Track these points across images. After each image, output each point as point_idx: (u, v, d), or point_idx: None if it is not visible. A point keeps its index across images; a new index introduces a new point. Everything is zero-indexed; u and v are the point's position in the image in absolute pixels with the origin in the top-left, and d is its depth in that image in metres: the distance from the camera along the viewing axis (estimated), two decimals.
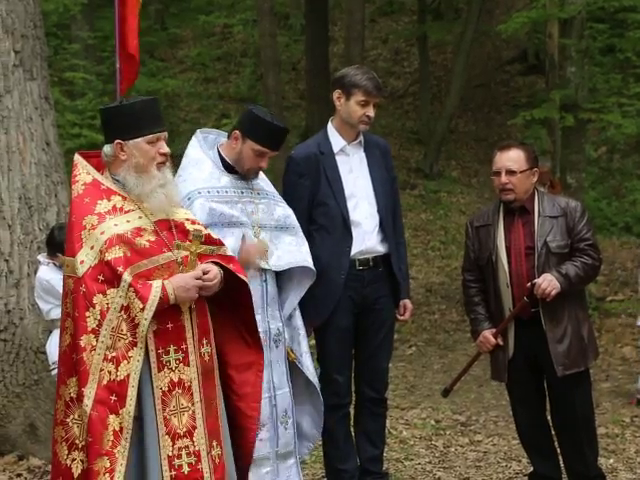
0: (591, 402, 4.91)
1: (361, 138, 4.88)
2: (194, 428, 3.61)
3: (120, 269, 3.49)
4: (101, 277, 3.49)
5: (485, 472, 5.76)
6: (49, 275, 5.02)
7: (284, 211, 4.50)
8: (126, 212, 3.61)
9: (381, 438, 5.05)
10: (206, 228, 3.87)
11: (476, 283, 4.87)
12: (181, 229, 3.72)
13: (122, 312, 3.49)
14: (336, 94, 4.80)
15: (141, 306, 3.49)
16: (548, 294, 4.55)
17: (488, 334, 4.77)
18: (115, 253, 3.50)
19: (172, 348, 3.60)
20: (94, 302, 3.48)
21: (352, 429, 5.02)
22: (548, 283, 4.54)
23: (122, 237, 3.54)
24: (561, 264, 4.61)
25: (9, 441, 5.48)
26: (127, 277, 3.48)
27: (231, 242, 4.16)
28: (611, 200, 14.43)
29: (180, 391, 3.60)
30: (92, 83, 15.33)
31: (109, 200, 3.60)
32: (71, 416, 3.54)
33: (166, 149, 3.72)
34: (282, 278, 4.47)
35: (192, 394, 3.63)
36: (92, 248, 3.51)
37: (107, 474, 3.42)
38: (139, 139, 3.64)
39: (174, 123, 17.31)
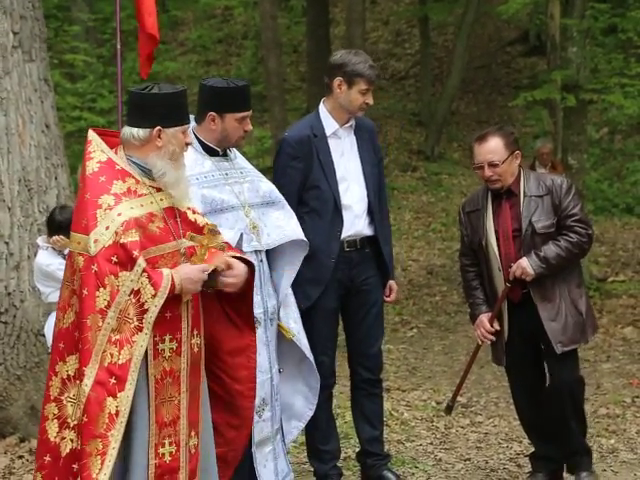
0: (579, 379, 4.92)
1: (352, 122, 4.88)
2: (178, 418, 3.61)
3: (136, 253, 3.46)
4: (114, 259, 3.45)
5: (486, 453, 5.77)
6: (49, 260, 5.00)
7: (267, 186, 4.48)
8: (139, 196, 3.59)
9: (379, 419, 5.06)
10: (204, 216, 3.88)
11: (473, 267, 4.86)
12: (184, 218, 3.71)
13: (131, 296, 3.46)
14: (337, 81, 4.77)
15: (153, 292, 3.47)
16: (523, 279, 4.59)
17: (484, 318, 4.76)
18: (131, 236, 3.48)
19: (168, 337, 3.58)
20: (105, 282, 3.45)
21: (350, 412, 5.04)
22: (521, 270, 4.57)
23: (138, 221, 3.52)
24: (545, 245, 4.61)
25: (10, 423, 5.49)
26: (142, 262, 3.46)
27: (227, 233, 4.16)
28: (612, 181, 14.42)
29: (170, 380, 3.60)
30: (92, 66, 15.30)
31: (124, 182, 3.58)
32: (66, 394, 3.52)
33: (190, 139, 3.80)
34: (273, 256, 4.45)
35: (180, 384, 3.63)
36: (107, 228, 3.47)
37: (98, 456, 3.40)
38: (178, 128, 3.67)
39: None
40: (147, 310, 3.47)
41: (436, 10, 17.58)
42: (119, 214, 3.49)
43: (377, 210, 4.89)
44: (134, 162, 3.65)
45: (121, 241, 3.46)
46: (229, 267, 3.70)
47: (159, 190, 3.66)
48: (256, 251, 4.31)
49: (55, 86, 6.46)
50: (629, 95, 11.50)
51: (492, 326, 4.74)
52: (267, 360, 4.31)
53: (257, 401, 4.24)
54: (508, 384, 7.88)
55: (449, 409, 5.22)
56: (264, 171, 4.86)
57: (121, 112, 6.50)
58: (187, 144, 3.75)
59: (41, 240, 5.07)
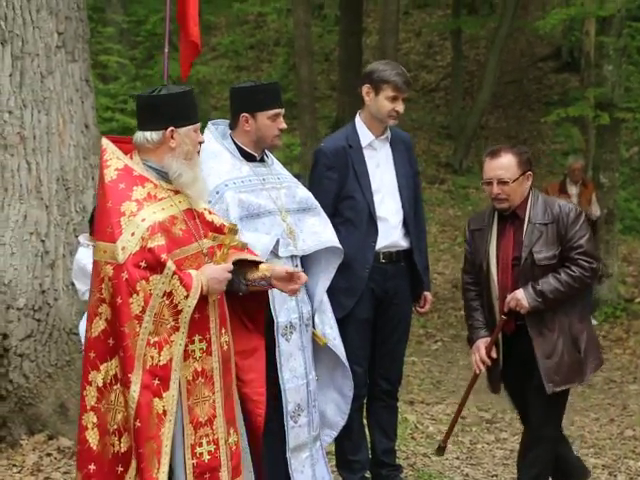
0: (557, 421, 4.62)
1: (388, 133, 4.89)
2: (214, 417, 3.63)
3: (164, 256, 3.48)
4: (143, 264, 3.47)
5: (513, 470, 5.72)
6: (88, 258, 5.02)
7: (304, 192, 4.50)
8: (159, 200, 3.60)
9: (394, 430, 5.09)
10: (219, 217, 3.88)
11: (474, 286, 4.62)
12: (202, 219, 3.72)
13: (164, 298, 3.48)
14: (365, 89, 4.81)
15: (185, 294, 3.50)
16: (518, 312, 4.37)
17: (481, 344, 4.52)
18: (158, 241, 3.50)
19: (197, 338, 3.60)
20: (137, 288, 3.46)
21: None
22: (515, 302, 4.35)
23: (162, 225, 3.54)
24: (544, 277, 4.36)
25: (40, 420, 5.51)
26: (171, 265, 3.48)
27: (263, 237, 4.18)
28: None
29: (203, 380, 3.61)
30: (126, 67, 15.38)
31: (143, 187, 3.59)
32: (103, 401, 3.53)
33: (202, 138, 3.79)
34: (309, 262, 4.46)
35: (213, 383, 3.64)
36: (133, 235, 3.48)
37: (154, 456, 3.45)
38: (190, 127, 3.67)
39: (205, 110, 17.32)
40: (181, 311, 3.50)
41: (469, 23, 17.59)
42: (143, 219, 3.50)
43: (412, 222, 4.89)
44: (150, 166, 3.66)
45: (148, 246, 3.48)
46: (290, 275, 3.77)
47: (177, 193, 3.67)
48: (292, 256, 4.33)
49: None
50: None
51: (489, 355, 4.50)
52: (303, 365, 4.32)
53: (292, 407, 4.27)
54: None
55: (441, 450, 4.89)
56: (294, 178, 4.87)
57: None
58: (200, 142, 3.75)
59: (83, 237, 5.08)
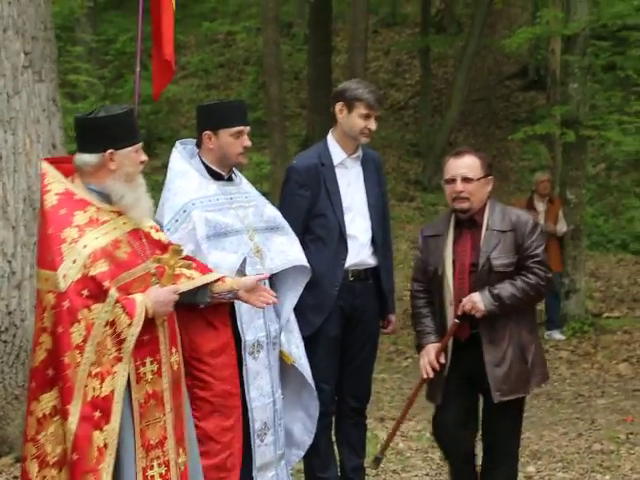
0: (518, 436, 4.57)
1: (360, 152, 4.91)
2: (165, 438, 3.60)
3: (106, 284, 3.42)
4: (85, 292, 3.41)
5: None
6: None
7: (272, 211, 4.51)
8: (102, 223, 3.55)
9: (364, 448, 5.08)
10: (164, 232, 3.88)
11: (424, 294, 4.55)
12: (149, 239, 3.68)
13: (107, 327, 3.43)
14: (338, 106, 4.83)
15: (128, 322, 3.44)
16: (473, 316, 4.31)
17: (432, 348, 4.42)
18: (100, 267, 3.43)
19: (148, 360, 3.56)
20: (79, 317, 3.40)
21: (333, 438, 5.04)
22: (471, 305, 4.29)
23: (105, 250, 3.48)
24: (501, 283, 4.33)
25: (7, 443, 5.47)
26: (114, 292, 3.42)
27: (230, 256, 4.20)
28: (608, 217, 14.50)
29: (154, 402, 3.57)
30: (95, 86, 15.36)
31: (85, 211, 3.53)
32: (42, 432, 3.47)
33: (145, 157, 3.71)
34: (276, 281, 4.47)
35: (164, 405, 3.60)
36: (74, 262, 3.42)
37: None
38: (130, 148, 3.62)
39: (175, 129, 17.35)
40: (124, 340, 3.44)
41: (437, 42, 17.75)
42: (85, 246, 3.45)
43: (380, 241, 4.91)
44: (92, 189, 3.61)
45: (90, 274, 3.42)
46: (252, 288, 3.81)
47: (120, 214, 3.62)
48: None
49: None
50: (628, 132, 11.62)
51: (438, 360, 4.41)
52: (269, 384, 4.32)
53: (258, 425, 4.27)
54: None
55: (377, 462, 4.78)
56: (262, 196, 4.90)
57: None
58: (142, 162, 3.69)
59: None
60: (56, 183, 3.58)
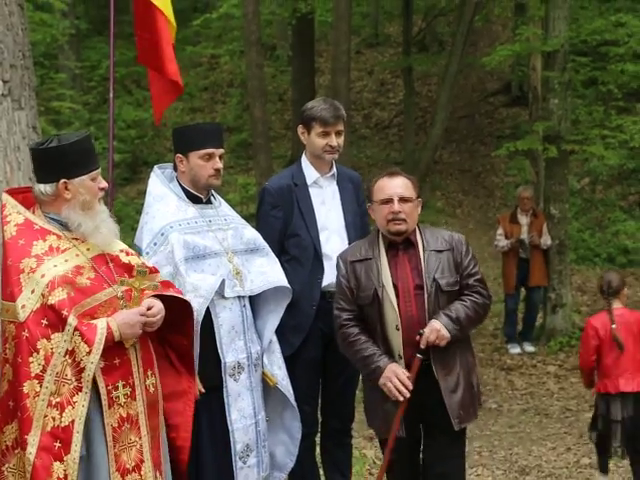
0: (464, 465, 4.41)
1: (334, 171, 4.93)
2: (142, 462, 3.58)
3: (65, 312, 3.40)
4: (45, 321, 3.41)
5: None
6: None
7: (252, 233, 4.53)
8: (62, 251, 3.54)
9: (349, 468, 5.09)
10: (139, 256, 3.84)
11: (357, 321, 4.26)
12: (117, 263, 3.67)
13: (67, 357, 3.41)
14: (300, 129, 4.87)
15: (87, 350, 3.42)
16: (437, 345, 4.11)
17: (396, 367, 4.11)
18: (58, 295, 3.42)
19: (120, 383, 3.54)
20: (38, 347, 3.39)
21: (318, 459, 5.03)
22: (436, 334, 4.09)
23: (64, 277, 3.47)
24: (450, 305, 4.18)
25: None
26: (72, 320, 3.40)
27: (209, 278, 4.19)
28: (594, 231, 14.54)
29: (129, 426, 3.55)
30: (78, 112, 15.39)
31: (44, 240, 3.53)
32: (6, 464, 3.46)
33: (105, 183, 3.69)
34: (257, 302, 4.47)
35: (139, 428, 3.59)
36: (33, 292, 3.42)
37: None
38: (85, 176, 3.59)
39: (160, 153, 17.38)
40: (84, 369, 3.42)
41: (420, 61, 17.83)
42: (42, 275, 3.45)
43: None
44: (52, 218, 3.61)
45: (49, 302, 3.42)
46: (148, 308, 3.64)
47: (84, 241, 3.62)
48: (239, 297, 4.35)
49: (41, 133, 6.50)
50: (610, 146, 11.68)
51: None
52: (251, 406, 4.32)
53: (240, 447, 4.26)
54: (491, 433, 7.93)
55: None
56: (248, 218, 4.92)
57: (112, 158, 6.56)
58: (101, 189, 3.66)
59: None
60: (15, 214, 3.57)
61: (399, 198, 4.24)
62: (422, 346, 4.13)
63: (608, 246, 14.10)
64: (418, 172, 16.39)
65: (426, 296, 4.17)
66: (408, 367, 4.18)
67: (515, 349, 10.77)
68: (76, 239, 3.60)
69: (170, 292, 3.78)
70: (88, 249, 3.60)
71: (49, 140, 3.62)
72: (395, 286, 4.20)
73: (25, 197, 3.66)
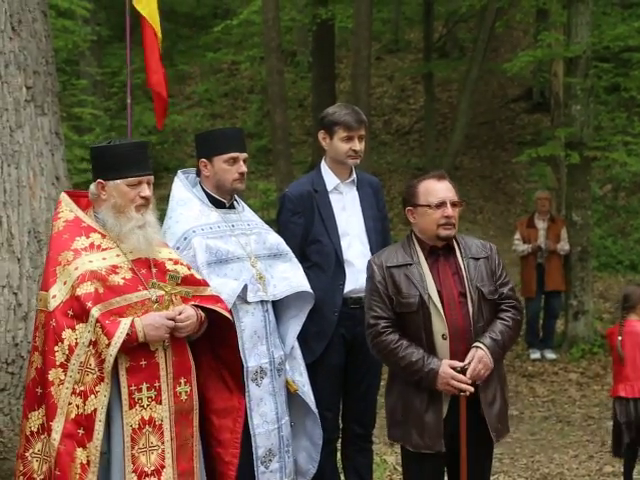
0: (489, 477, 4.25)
1: (354, 176, 4.91)
2: (162, 467, 3.58)
3: (89, 304, 3.49)
4: (71, 312, 3.51)
5: None
6: None
7: (275, 239, 4.53)
8: (103, 249, 3.63)
9: (370, 473, 5.07)
10: (190, 269, 3.86)
11: (395, 328, 4.03)
12: (161, 269, 3.73)
13: (90, 347, 3.51)
14: (321, 135, 4.86)
15: (107, 342, 3.49)
16: (481, 375, 3.94)
17: (447, 368, 3.90)
18: (86, 289, 3.52)
19: (145, 386, 3.58)
20: (63, 337, 3.50)
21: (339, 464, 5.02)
22: (483, 366, 3.92)
23: (95, 273, 3.55)
24: (494, 325, 4.02)
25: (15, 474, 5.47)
26: (95, 312, 3.48)
27: (231, 283, 4.19)
28: (616, 238, 14.46)
29: (150, 429, 3.58)
30: (100, 118, 15.46)
31: (87, 237, 3.64)
32: (30, 450, 3.55)
33: (147, 193, 3.73)
34: (280, 308, 4.47)
35: (162, 432, 3.60)
36: (65, 283, 3.54)
37: None
38: (119, 181, 3.69)
39: (181, 159, 17.42)
40: (104, 360, 3.50)
41: (440, 67, 17.81)
42: (76, 268, 3.55)
43: None
44: (99, 218, 3.73)
45: (76, 294, 3.51)
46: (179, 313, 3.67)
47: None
48: (262, 301, 4.34)
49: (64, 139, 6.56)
50: (632, 153, 11.62)
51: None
52: (274, 411, 4.32)
53: (262, 452, 4.26)
54: (513, 440, 7.88)
55: None
56: (268, 224, 4.91)
57: None
58: (142, 197, 3.70)
59: None
60: (67, 211, 3.72)
61: (451, 202, 4.08)
62: (468, 380, 3.92)
63: (630, 253, 14.02)
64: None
65: (470, 304, 4.00)
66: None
67: (536, 354, 10.72)
68: (120, 240, 3.70)
69: (217, 307, 3.81)
70: (131, 252, 3.68)
71: (107, 141, 3.80)
72: (439, 293, 4.01)
73: (87, 201, 3.82)
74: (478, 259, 4.11)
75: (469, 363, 3.93)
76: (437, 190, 4.09)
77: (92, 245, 3.62)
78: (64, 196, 3.77)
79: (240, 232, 4.40)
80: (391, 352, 4.01)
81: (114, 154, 3.68)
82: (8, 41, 5.56)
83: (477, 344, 3.97)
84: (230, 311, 3.96)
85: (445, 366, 3.92)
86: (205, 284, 3.87)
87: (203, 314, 3.77)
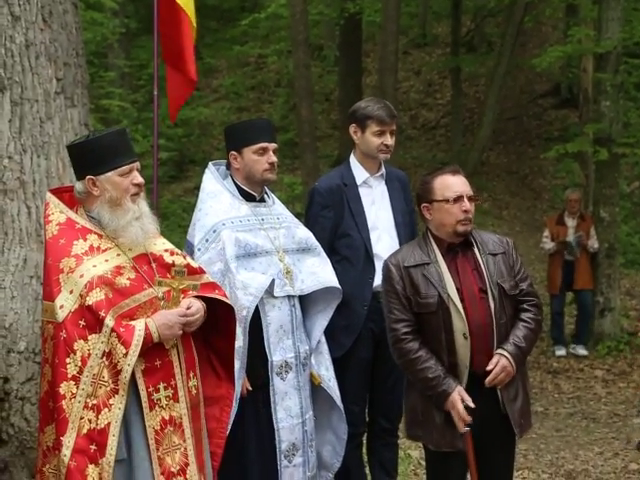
0: (512, 473, 4.20)
1: (383, 170, 4.91)
2: (187, 465, 3.53)
3: (102, 313, 3.37)
4: (82, 322, 3.37)
5: None
6: None
7: (304, 233, 4.52)
8: (103, 251, 3.51)
9: (395, 467, 5.07)
10: (185, 257, 3.76)
11: (415, 334, 3.94)
12: (160, 262, 3.62)
13: (104, 358, 3.38)
14: (352, 128, 4.85)
15: (124, 351, 3.37)
16: (502, 382, 3.90)
17: (458, 396, 3.85)
18: (96, 296, 3.39)
19: (162, 385, 3.50)
20: (75, 348, 3.36)
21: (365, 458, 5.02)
22: (506, 374, 3.88)
23: (102, 278, 3.43)
24: (516, 328, 3.95)
25: None
26: (109, 322, 3.37)
27: (259, 277, 4.19)
28: None
29: (172, 429, 3.50)
30: (127, 110, 15.51)
31: (85, 240, 3.50)
32: (47, 465, 3.45)
33: (140, 179, 3.60)
34: (307, 302, 4.46)
35: (183, 430, 3.54)
36: (71, 292, 3.40)
37: None
38: (110, 173, 3.53)
39: (207, 152, 17.47)
40: (121, 370, 3.38)
41: (468, 61, 17.74)
42: (81, 275, 3.42)
43: None
44: (92, 217, 3.57)
45: (86, 303, 3.39)
46: (187, 307, 3.58)
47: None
48: (289, 296, 4.34)
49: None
50: None
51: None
52: (298, 405, 4.32)
53: (285, 446, 4.26)
54: (537, 436, 7.86)
55: None
56: (295, 217, 4.91)
57: (157, 156, 6.61)
58: (135, 185, 3.56)
59: None
60: (57, 213, 3.56)
61: (468, 197, 3.98)
62: (488, 384, 3.89)
63: None
64: (465, 173, 16.29)
65: (491, 301, 3.91)
66: (476, 376, 3.92)
67: (561, 351, 10.68)
68: (117, 238, 3.56)
69: (215, 294, 3.73)
70: (130, 249, 3.56)
71: (84, 136, 3.62)
72: (459, 291, 3.91)
73: (71, 196, 3.65)
74: (496, 255, 4.03)
75: (487, 377, 3.87)
76: (453, 184, 3.99)
77: (92, 248, 3.49)
78: (51, 197, 3.60)
79: (269, 226, 4.40)
80: (409, 362, 3.95)
81: (99, 147, 3.52)
82: (39, 32, 5.59)
83: (500, 351, 3.92)
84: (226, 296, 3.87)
85: (456, 394, 3.86)
86: (201, 272, 3.76)
87: (204, 304, 3.68)
